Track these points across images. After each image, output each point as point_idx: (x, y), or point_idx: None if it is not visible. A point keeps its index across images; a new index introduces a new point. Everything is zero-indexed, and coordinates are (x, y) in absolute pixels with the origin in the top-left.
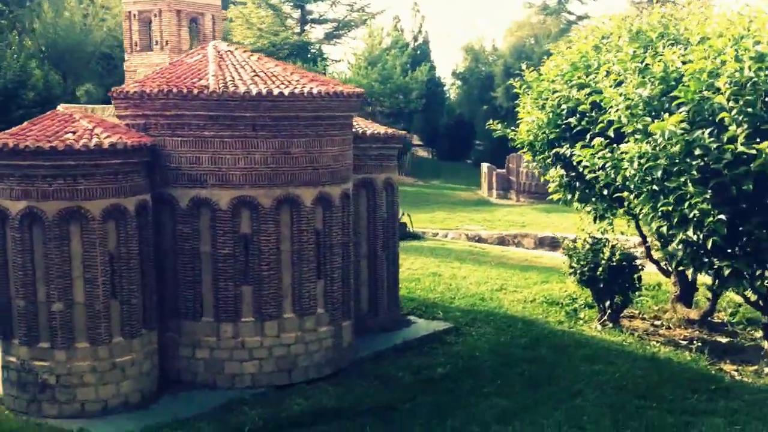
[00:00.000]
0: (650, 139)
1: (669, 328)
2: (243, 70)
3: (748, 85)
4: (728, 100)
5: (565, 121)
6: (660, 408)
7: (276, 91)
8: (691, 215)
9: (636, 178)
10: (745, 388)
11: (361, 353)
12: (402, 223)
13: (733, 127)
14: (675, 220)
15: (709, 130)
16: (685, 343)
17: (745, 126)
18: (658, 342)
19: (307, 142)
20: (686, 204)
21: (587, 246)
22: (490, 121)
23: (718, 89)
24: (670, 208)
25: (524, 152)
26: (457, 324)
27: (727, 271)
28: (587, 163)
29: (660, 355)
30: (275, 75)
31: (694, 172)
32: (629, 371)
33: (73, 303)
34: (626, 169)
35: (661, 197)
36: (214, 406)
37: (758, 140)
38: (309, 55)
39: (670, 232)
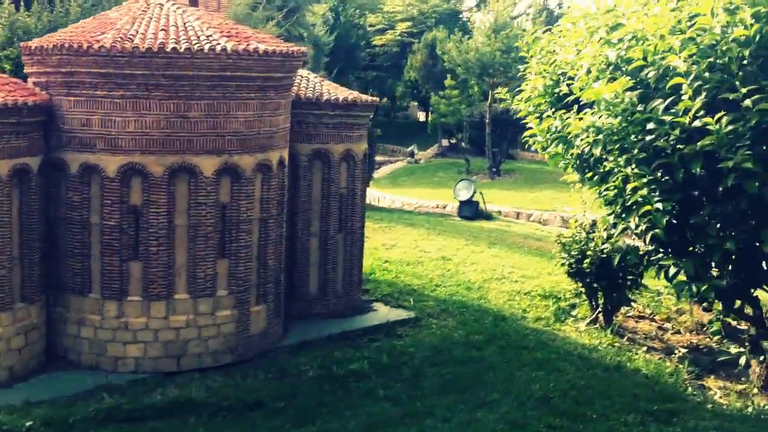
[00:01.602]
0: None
1: (678, 332)
2: (156, 23)
3: (722, 42)
4: (685, 62)
5: (556, 89)
6: (572, 429)
7: (169, 47)
8: (631, 203)
9: (589, 155)
10: (702, 411)
11: (286, 341)
12: (475, 202)
13: (686, 97)
14: (618, 207)
15: (670, 100)
16: (684, 351)
17: (703, 95)
18: (646, 349)
19: (209, 105)
20: (628, 188)
21: (581, 232)
22: (498, 89)
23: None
24: (612, 193)
25: (528, 124)
26: (421, 314)
27: (672, 271)
28: (541, 138)
29: (630, 364)
30: (188, 30)
31: (636, 151)
32: (571, 381)
33: None
34: (576, 146)
35: (610, 179)
36: (78, 391)
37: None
38: (458, 24)
39: (614, 221)
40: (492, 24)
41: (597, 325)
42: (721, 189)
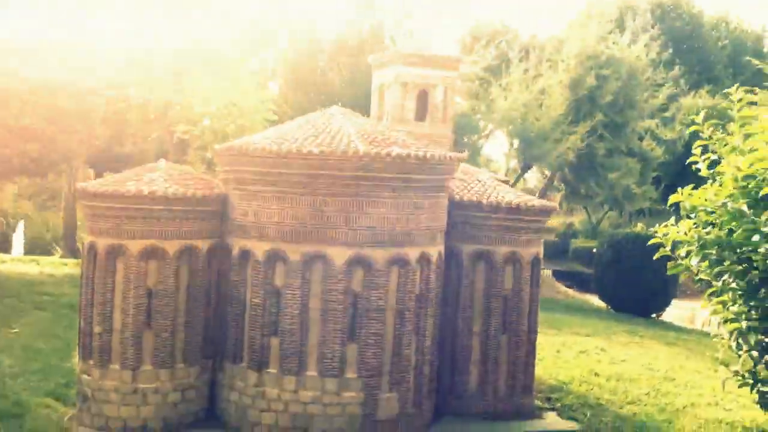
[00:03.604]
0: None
1: None
2: (313, 129)
3: None
4: None
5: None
6: None
7: (305, 150)
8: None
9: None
10: None
11: None
12: None
13: None
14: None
15: None
16: None
17: None
18: None
19: (343, 202)
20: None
21: None
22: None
23: None
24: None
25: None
26: (588, 430)
27: None
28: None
29: None
30: (336, 135)
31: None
32: None
33: (111, 329)
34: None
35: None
36: None
37: None
38: None
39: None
40: None
41: None
42: None
